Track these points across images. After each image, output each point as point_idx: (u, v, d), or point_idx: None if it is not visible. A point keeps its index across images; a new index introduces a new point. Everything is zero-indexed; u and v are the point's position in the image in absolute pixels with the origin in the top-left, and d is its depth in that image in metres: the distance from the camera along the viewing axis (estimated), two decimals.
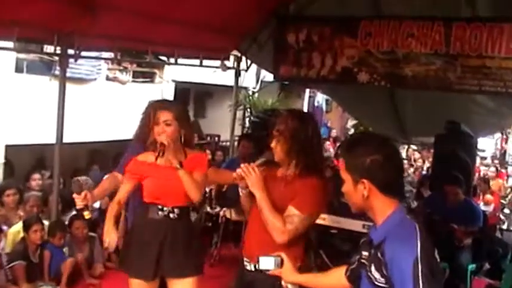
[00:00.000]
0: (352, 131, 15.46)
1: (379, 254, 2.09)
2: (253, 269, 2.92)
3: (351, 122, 16.82)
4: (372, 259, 2.13)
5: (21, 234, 5.32)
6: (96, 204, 6.42)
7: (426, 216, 5.18)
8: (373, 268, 2.12)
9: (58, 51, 5.13)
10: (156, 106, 3.52)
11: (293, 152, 2.89)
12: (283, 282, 2.61)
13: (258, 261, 2.59)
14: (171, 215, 3.42)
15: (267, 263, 2.57)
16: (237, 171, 2.93)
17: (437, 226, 5.13)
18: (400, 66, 5.51)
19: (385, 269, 2.05)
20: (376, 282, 2.11)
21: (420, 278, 1.93)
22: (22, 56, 7.49)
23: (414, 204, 7.13)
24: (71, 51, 5.18)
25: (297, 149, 2.89)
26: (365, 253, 2.22)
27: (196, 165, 3.44)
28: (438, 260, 2.06)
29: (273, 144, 2.94)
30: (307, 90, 16.12)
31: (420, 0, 5.52)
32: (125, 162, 3.59)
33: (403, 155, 13.35)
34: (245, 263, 3.01)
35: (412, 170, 12.02)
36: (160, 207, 3.43)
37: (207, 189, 7.84)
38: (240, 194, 3.09)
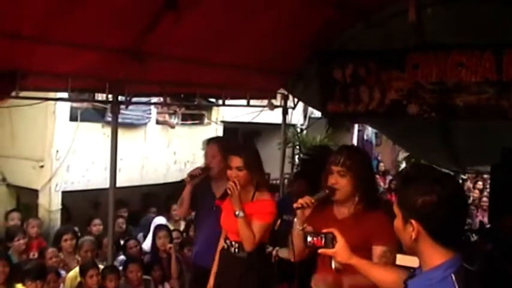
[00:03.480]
0: (403, 164, 15.17)
1: None
2: None
3: (402, 155, 16.52)
4: None
5: (78, 279, 5.39)
6: (147, 246, 6.50)
7: (487, 255, 4.90)
8: None
9: (110, 99, 5.27)
10: (228, 150, 3.85)
11: (358, 188, 2.84)
12: (333, 263, 2.42)
13: (305, 239, 2.38)
14: (232, 249, 3.62)
15: (316, 240, 2.34)
16: (297, 204, 2.89)
17: (499, 265, 4.85)
18: (450, 96, 5.39)
19: None
20: None
21: None
22: (76, 104, 7.74)
23: (473, 237, 6.87)
24: (121, 98, 5.32)
25: (361, 185, 2.85)
26: None
27: (259, 212, 3.57)
28: None
29: (333, 181, 2.88)
30: (356, 125, 15.99)
31: (467, 28, 5.42)
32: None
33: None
34: None
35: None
36: (226, 237, 3.70)
37: None
38: (294, 230, 2.97)
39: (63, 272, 5.64)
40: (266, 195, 3.74)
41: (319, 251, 2.40)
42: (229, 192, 3.52)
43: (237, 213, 3.49)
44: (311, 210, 2.92)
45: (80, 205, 8.24)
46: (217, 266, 3.78)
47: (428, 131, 7.67)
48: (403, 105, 5.69)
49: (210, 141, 4.65)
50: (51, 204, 7.85)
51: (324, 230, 2.42)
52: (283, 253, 5.84)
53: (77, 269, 5.54)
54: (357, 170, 2.84)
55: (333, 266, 2.43)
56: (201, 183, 4.43)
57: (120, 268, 5.68)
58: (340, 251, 2.33)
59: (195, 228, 5.45)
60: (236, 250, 3.63)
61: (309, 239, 2.37)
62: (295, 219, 2.97)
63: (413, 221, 1.88)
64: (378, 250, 2.71)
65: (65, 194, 8.00)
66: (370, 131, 16.64)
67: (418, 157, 11.24)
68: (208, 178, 4.46)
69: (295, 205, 2.91)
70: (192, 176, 4.34)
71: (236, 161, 3.61)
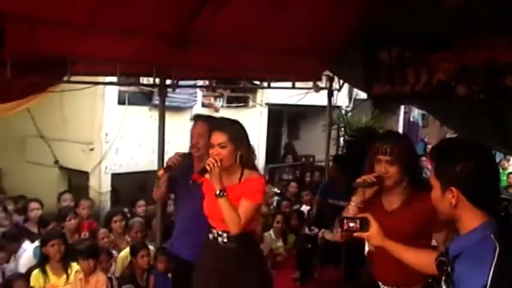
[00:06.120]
0: None
1: (449, 269, 1.99)
2: None
3: (449, 136, 16.21)
4: (443, 271, 2.04)
5: (129, 259, 5.55)
6: None
7: None
8: (443, 278, 2.03)
9: (157, 83, 5.37)
10: (212, 127, 3.38)
11: (406, 174, 2.84)
12: (366, 246, 2.50)
13: (342, 223, 2.45)
14: (220, 239, 3.25)
15: (352, 224, 2.43)
16: (359, 180, 2.89)
17: None
18: (500, 77, 5.26)
19: (452, 286, 1.95)
20: None
21: None
22: (124, 88, 7.89)
23: None
24: (168, 82, 5.41)
25: (409, 170, 2.86)
26: (442, 258, 2.10)
27: (247, 192, 3.18)
28: None
29: (382, 170, 2.87)
30: (402, 106, 15.74)
31: None
32: None
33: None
34: (382, 286, 2.97)
35: None
36: (211, 228, 3.30)
37: (305, 210, 7.87)
38: (349, 209, 2.95)
39: (114, 252, 5.81)
40: (254, 173, 3.30)
41: (355, 234, 2.46)
42: (208, 168, 3.10)
43: (217, 192, 3.08)
44: (372, 192, 2.92)
45: (129, 187, 8.42)
46: (204, 259, 3.39)
47: (477, 112, 7.50)
48: (451, 86, 5.59)
49: (197, 119, 4.12)
50: (101, 186, 8.05)
51: (359, 215, 2.50)
52: (329, 235, 5.88)
53: (127, 249, 5.70)
54: (405, 156, 2.83)
55: (367, 248, 2.49)
56: (182, 170, 3.89)
57: None
58: (373, 235, 2.42)
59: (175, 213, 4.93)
60: (225, 240, 3.23)
61: (345, 223, 2.45)
62: (353, 198, 2.97)
63: (453, 188, 1.98)
64: (439, 237, 2.71)
65: (114, 176, 8.19)
66: (416, 113, 16.34)
67: (467, 138, 11.01)
68: (191, 159, 3.95)
69: (358, 180, 2.90)
70: (168, 167, 3.81)
71: (218, 137, 3.19)
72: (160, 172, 3.84)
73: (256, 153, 3.59)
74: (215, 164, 3.10)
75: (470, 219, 1.97)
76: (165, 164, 4.00)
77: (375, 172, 2.90)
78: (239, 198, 3.16)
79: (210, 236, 3.30)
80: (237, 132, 3.30)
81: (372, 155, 2.94)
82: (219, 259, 3.27)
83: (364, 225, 2.41)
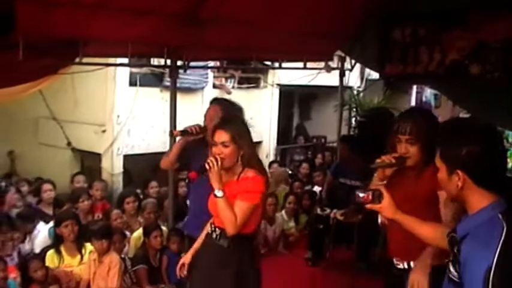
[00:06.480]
0: None
1: (455, 250, 1.98)
2: (406, 266, 2.87)
3: (462, 116, 16.08)
4: (450, 252, 2.03)
5: (142, 240, 5.59)
6: None
7: None
8: (450, 259, 2.02)
9: (168, 64, 5.35)
10: (216, 125, 3.31)
11: (428, 152, 2.78)
12: (379, 218, 2.50)
13: (356, 196, 2.46)
14: (213, 235, 3.23)
15: (365, 196, 2.43)
16: (379, 160, 2.85)
17: None
18: None
19: (459, 267, 1.93)
20: (450, 275, 2.01)
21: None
22: (135, 70, 7.88)
23: None
24: (180, 63, 5.39)
25: (430, 148, 2.80)
26: (454, 234, 2.07)
27: (244, 191, 3.12)
28: None
29: (403, 150, 2.83)
30: (415, 86, 15.62)
31: None
32: None
33: None
34: (395, 261, 2.96)
35: None
36: (212, 220, 3.29)
37: (317, 191, 7.88)
38: (371, 186, 2.89)
39: (127, 233, 5.86)
40: (253, 172, 3.19)
41: (367, 206, 2.46)
42: (207, 167, 3.06)
43: (215, 192, 3.06)
44: (391, 170, 2.89)
45: (141, 168, 8.45)
46: (200, 248, 3.40)
47: (491, 91, 7.42)
48: (465, 65, 5.52)
49: (212, 102, 4.13)
50: (113, 167, 8.08)
51: (372, 187, 2.50)
52: (341, 216, 5.88)
53: (140, 230, 5.74)
54: (426, 135, 2.75)
55: (380, 220, 2.49)
56: (198, 145, 3.85)
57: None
58: (385, 207, 2.41)
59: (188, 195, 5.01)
60: (217, 237, 3.20)
61: (359, 194, 2.46)
62: (375, 175, 2.95)
63: (459, 171, 1.96)
64: (443, 194, 2.67)
65: (126, 157, 8.22)
66: (428, 93, 16.20)
67: (480, 118, 10.92)
68: (206, 142, 3.76)
69: (377, 160, 2.86)
70: (184, 131, 3.77)
71: (221, 136, 3.15)
72: (176, 132, 3.85)
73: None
74: (215, 164, 3.08)
75: (478, 200, 1.96)
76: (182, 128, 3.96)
77: (396, 152, 2.87)
78: (235, 196, 3.12)
79: (209, 229, 3.30)
80: (240, 130, 3.26)
81: (393, 134, 2.89)
82: (208, 253, 3.28)
83: (377, 197, 2.41)
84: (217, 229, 3.21)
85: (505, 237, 1.82)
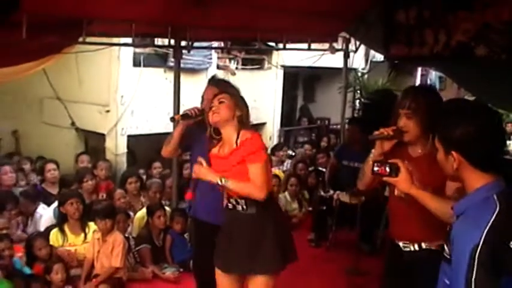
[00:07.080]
0: None
1: (448, 228, 2.02)
2: (417, 248, 2.87)
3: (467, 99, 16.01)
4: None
5: (145, 219, 5.62)
6: None
7: None
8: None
9: (172, 44, 5.33)
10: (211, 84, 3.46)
11: (429, 128, 2.77)
12: (396, 191, 2.51)
13: (372, 166, 2.49)
14: (238, 207, 3.22)
15: (382, 168, 2.46)
16: (377, 132, 2.87)
17: None
18: None
19: (449, 244, 1.96)
20: (444, 253, 2.05)
21: (475, 266, 1.76)
22: (139, 50, 7.85)
23: None
24: (184, 43, 5.37)
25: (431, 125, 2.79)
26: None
27: (249, 155, 3.12)
28: None
29: (401, 124, 2.86)
30: (419, 68, 15.54)
31: None
32: None
33: None
34: (402, 245, 2.94)
35: None
36: (229, 197, 3.27)
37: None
38: (368, 160, 2.91)
39: (131, 213, 5.89)
40: (249, 132, 3.21)
41: (383, 178, 2.49)
42: (189, 114, 3.36)
43: (220, 183, 3.09)
44: (390, 145, 2.90)
45: (145, 149, 8.45)
46: (227, 227, 3.34)
47: (497, 73, 7.38)
48: (471, 47, 5.47)
49: (210, 82, 4.05)
50: (117, 147, 8.08)
51: (390, 161, 2.50)
52: (344, 197, 5.90)
53: (144, 209, 5.77)
54: (424, 111, 2.78)
55: (396, 193, 2.51)
56: (198, 127, 3.73)
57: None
58: (401, 181, 2.43)
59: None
60: (243, 207, 3.20)
61: (376, 167, 2.49)
62: (372, 150, 2.95)
63: (453, 153, 1.97)
64: (451, 185, 2.68)
65: (130, 137, 8.22)
66: (433, 75, 16.13)
67: (485, 101, 10.86)
68: (205, 124, 3.58)
69: (375, 132, 2.88)
70: (185, 114, 3.71)
71: (217, 91, 3.27)
72: (177, 116, 3.80)
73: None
74: (197, 113, 3.36)
75: (474, 181, 1.96)
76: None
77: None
78: (243, 161, 3.12)
79: (230, 205, 3.28)
80: (237, 93, 3.38)
81: (396, 109, 2.92)
82: (242, 227, 3.24)
83: (393, 171, 2.43)
84: (239, 200, 3.20)
85: (495, 216, 1.82)
